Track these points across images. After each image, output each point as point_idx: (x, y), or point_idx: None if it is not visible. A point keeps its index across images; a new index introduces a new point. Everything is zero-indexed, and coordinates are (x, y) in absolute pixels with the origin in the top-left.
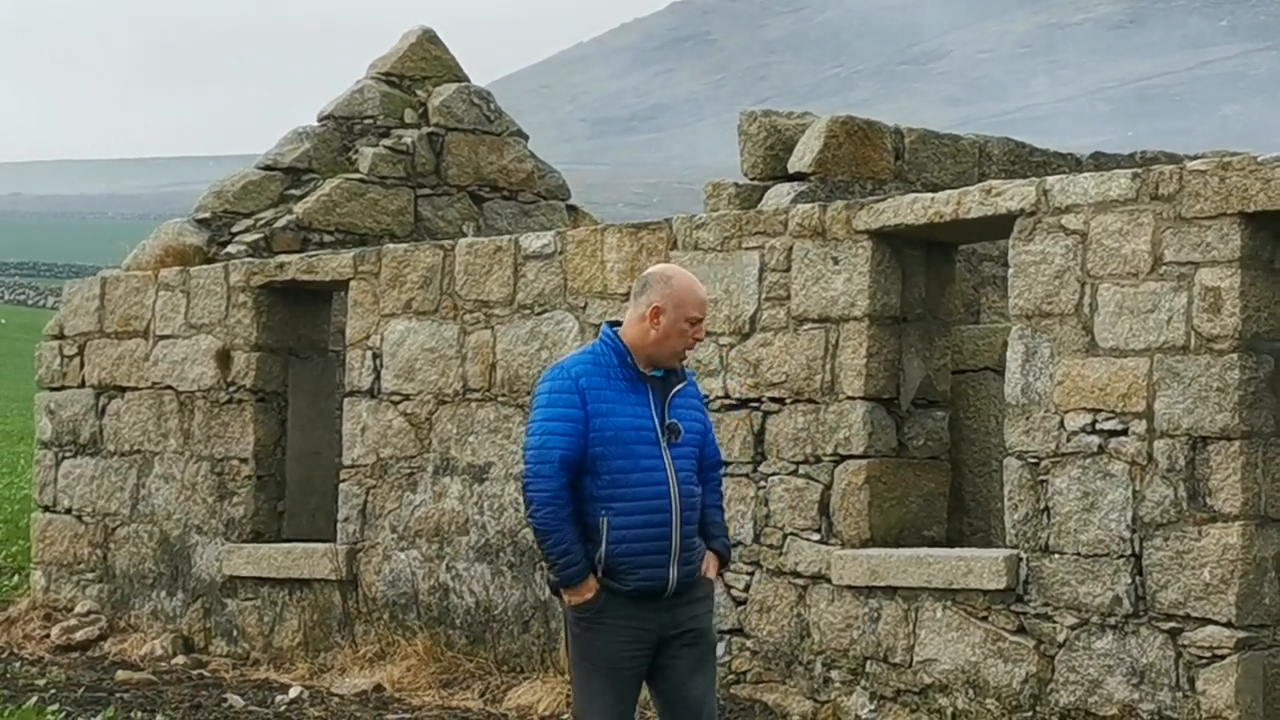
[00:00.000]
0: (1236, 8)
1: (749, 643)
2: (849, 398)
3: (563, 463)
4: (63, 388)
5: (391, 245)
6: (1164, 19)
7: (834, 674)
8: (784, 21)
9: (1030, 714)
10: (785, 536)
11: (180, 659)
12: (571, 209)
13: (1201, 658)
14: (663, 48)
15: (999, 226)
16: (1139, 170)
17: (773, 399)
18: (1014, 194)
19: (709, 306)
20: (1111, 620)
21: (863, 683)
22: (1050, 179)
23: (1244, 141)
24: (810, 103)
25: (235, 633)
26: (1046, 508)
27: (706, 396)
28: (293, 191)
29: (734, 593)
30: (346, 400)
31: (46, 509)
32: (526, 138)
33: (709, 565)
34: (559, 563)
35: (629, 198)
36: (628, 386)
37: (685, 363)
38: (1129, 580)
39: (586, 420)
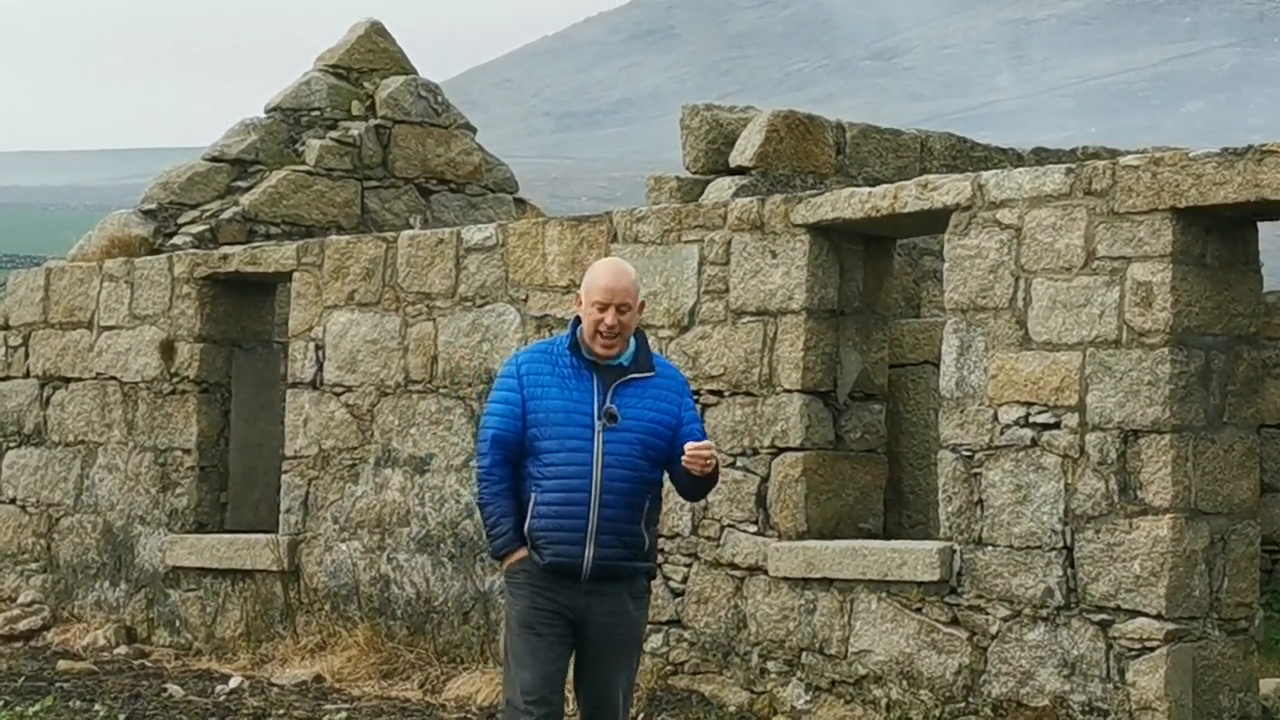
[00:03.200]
0: (1200, 4)
1: (686, 634)
2: (786, 390)
3: (494, 441)
4: (7, 378)
5: (334, 237)
6: (1128, 15)
7: (770, 665)
8: (748, 16)
9: (963, 705)
10: (723, 528)
11: (123, 649)
12: (519, 201)
13: (1132, 649)
14: (627, 41)
15: (936, 221)
16: (1073, 166)
17: (711, 391)
18: (950, 189)
19: (631, 294)
20: (1043, 612)
21: (798, 674)
22: (985, 174)
23: (1206, 138)
24: (774, 97)
25: (178, 623)
26: (980, 500)
27: None
28: (239, 183)
29: (672, 584)
30: (289, 391)
31: None
32: (474, 131)
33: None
34: (490, 533)
35: (593, 191)
36: (571, 374)
37: (621, 350)
38: (1061, 572)
39: (523, 404)
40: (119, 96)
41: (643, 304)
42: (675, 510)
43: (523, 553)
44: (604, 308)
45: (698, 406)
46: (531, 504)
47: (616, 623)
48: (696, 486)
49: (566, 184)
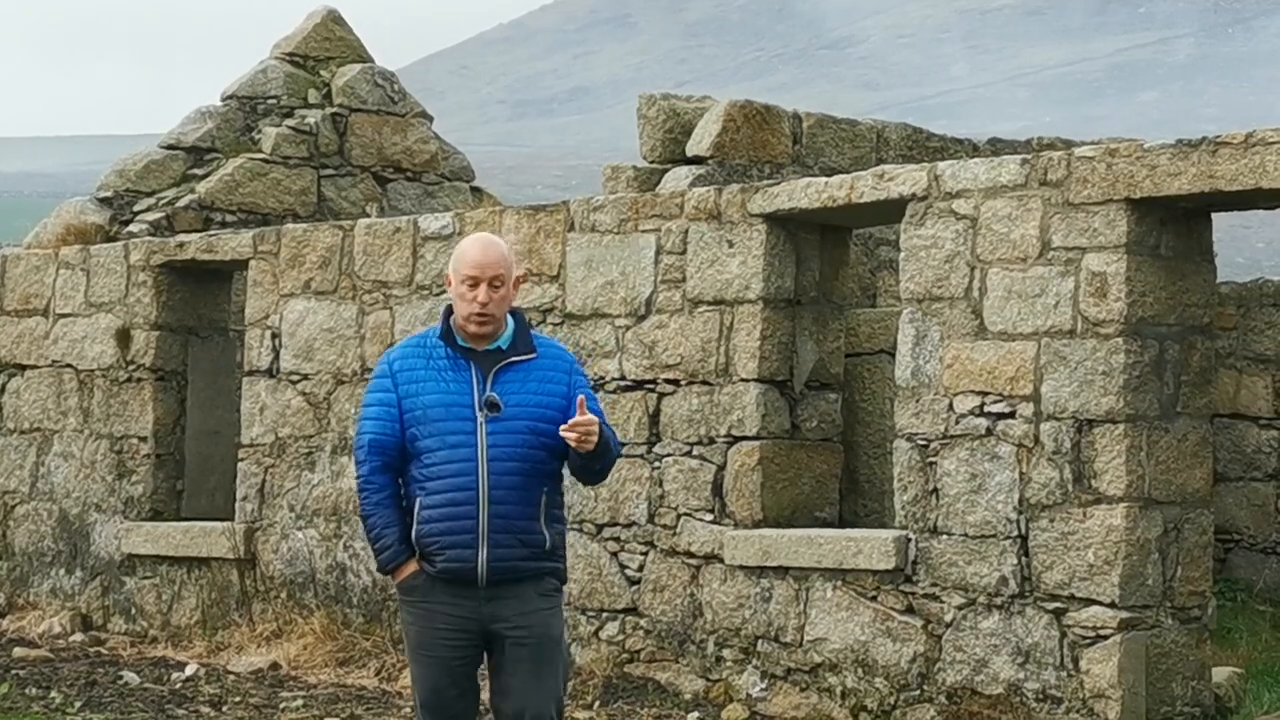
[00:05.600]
0: None
1: (642, 622)
2: (743, 380)
3: (372, 447)
4: None
5: (291, 225)
6: (1083, 5)
7: (726, 653)
8: (704, 5)
9: (918, 693)
10: (679, 517)
11: (78, 636)
12: (475, 190)
13: (1085, 638)
14: (583, 30)
15: (892, 211)
16: (1028, 157)
17: (668, 381)
18: (906, 179)
19: (504, 267)
20: (998, 600)
21: (754, 661)
22: (941, 164)
23: (1160, 129)
24: (730, 86)
25: (133, 611)
26: (935, 489)
27: (602, 378)
28: (195, 171)
29: (628, 572)
30: (245, 379)
31: None
32: (431, 119)
33: (582, 404)
34: (374, 547)
35: (549, 180)
36: (448, 365)
37: (497, 331)
38: (1015, 561)
39: (399, 403)
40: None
41: (519, 279)
42: (632, 499)
43: (413, 565)
44: (475, 283)
45: (654, 395)
46: (417, 509)
47: (527, 625)
48: (588, 467)
49: (522, 172)
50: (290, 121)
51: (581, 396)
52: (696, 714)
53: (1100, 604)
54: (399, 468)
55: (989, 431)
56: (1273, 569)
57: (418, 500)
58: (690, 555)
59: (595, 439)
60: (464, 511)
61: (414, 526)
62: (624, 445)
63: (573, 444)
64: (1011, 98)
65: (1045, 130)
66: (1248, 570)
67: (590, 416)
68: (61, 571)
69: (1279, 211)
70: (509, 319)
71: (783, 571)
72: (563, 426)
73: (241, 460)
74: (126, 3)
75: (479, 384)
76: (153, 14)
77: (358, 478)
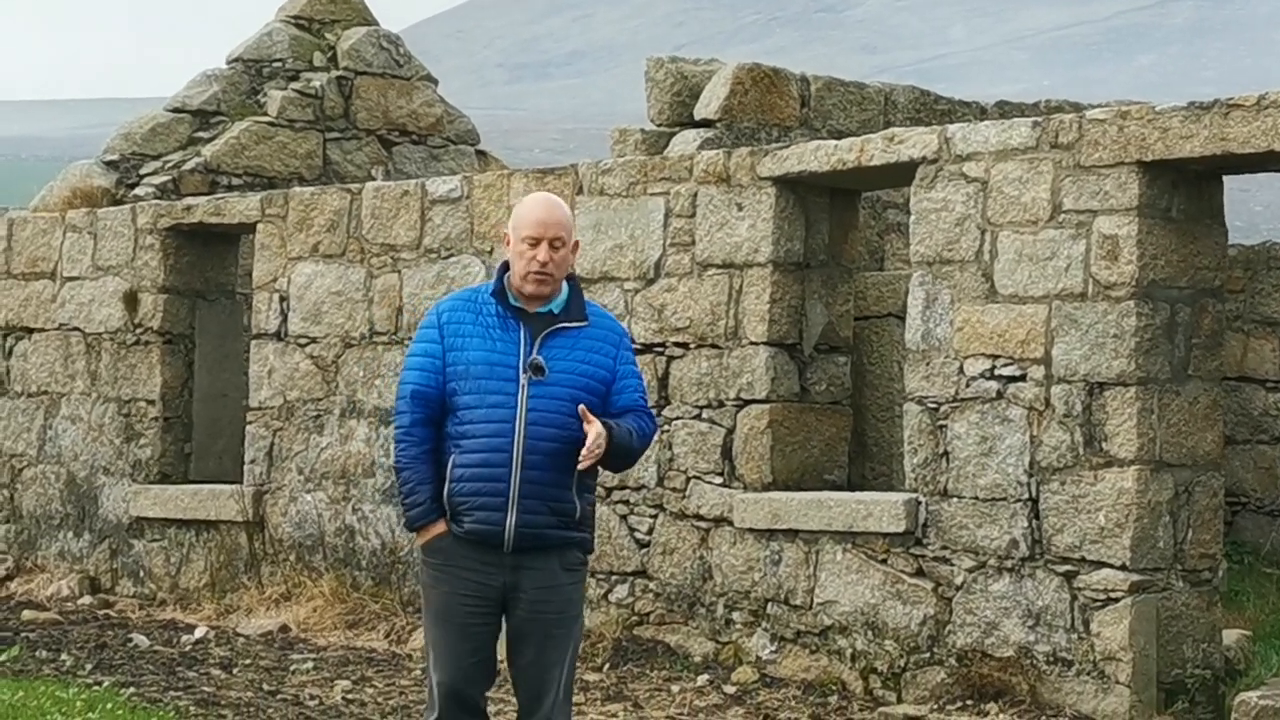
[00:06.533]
0: None
1: (652, 585)
2: (752, 343)
3: (414, 397)
4: None
5: (299, 189)
6: None
7: (735, 616)
8: None
9: (928, 655)
10: (688, 480)
11: (87, 599)
12: (480, 154)
13: (1096, 600)
14: None
15: (902, 174)
16: (1039, 119)
17: (677, 344)
18: (916, 142)
19: (565, 228)
20: (1008, 563)
21: (764, 624)
22: (952, 127)
23: (1159, 91)
24: (728, 49)
25: (142, 573)
26: (945, 452)
27: None
28: (201, 134)
29: (638, 535)
30: (253, 343)
31: None
32: (436, 82)
33: (585, 412)
34: (405, 502)
35: (546, 144)
36: (496, 323)
37: (554, 293)
38: (1026, 524)
39: (444, 355)
40: (71, 46)
41: (577, 244)
42: (641, 462)
43: (441, 526)
44: (535, 243)
45: (663, 359)
46: (450, 466)
47: (546, 598)
48: (606, 465)
49: (519, 136)
50: (295, 85)
51: (583, 406)
52: (706, 676)
53: (1111, 567)
54: (439, 421)
55: (999, 395)
56: None
57: (451, 458)
58: (700, 518)
59: (603, 450)
60: (497, 474)
61: (446, 484)
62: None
63: (582, 467)
64: (1010, 60)
65: (1044, 93)
66: (1255, 533)
67: (598, 431)
68: (70, 534)
69: (1277, 174)
70: (564, 284)
71: (792, 534)
72: (582, 452)
73: (250, 423)
74: None
75: (526, 345)
76: None
77: (396, 427)
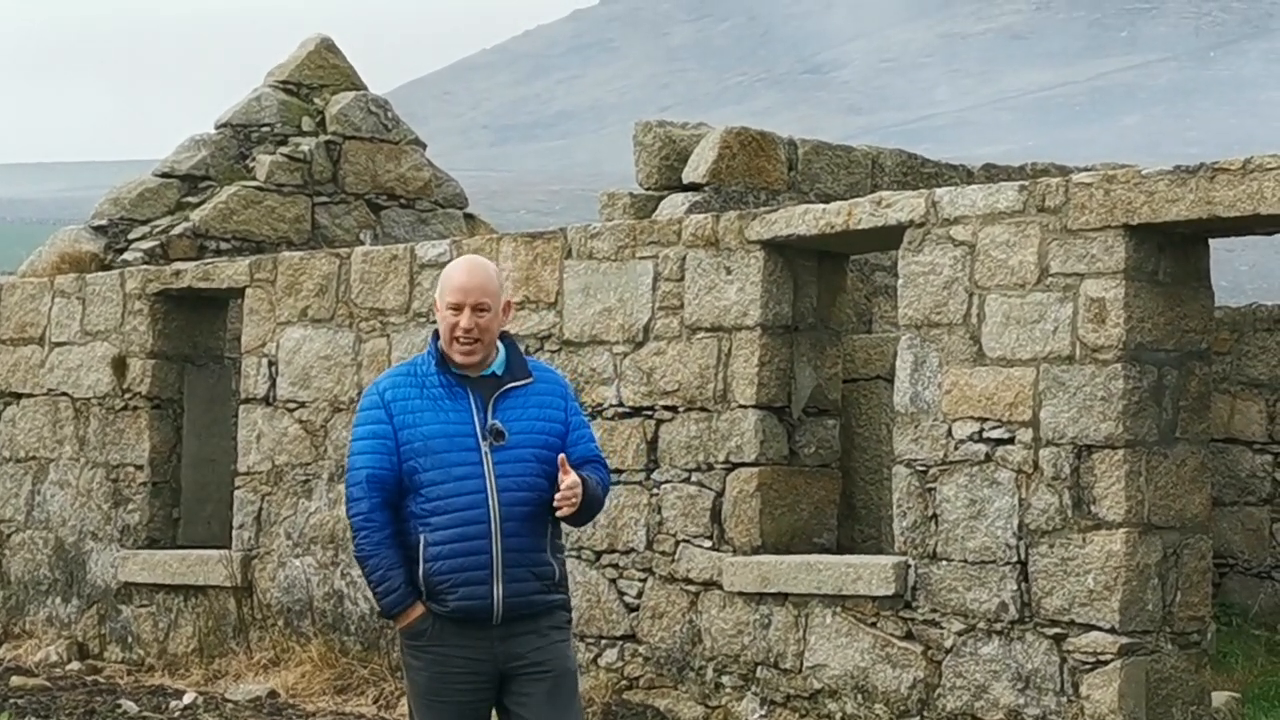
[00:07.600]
0: (1136, 19)
1: (641, 648)
2: (741, 406)
3: (370, 482)
4: None
5: (287, 253)
6: (1064, 29)
7: (725, 679)
8: (686, 30)
9: (918, 719)
10: (677, 543)
11: (75, 665)
12: (469, 217)
13: (1086, 663)
14: (565, 55)
15: (889, 237)
16: (1026, 183)
17: (666, 407)
18: (904, 205)
19: (489, 293)
20: (998, 626)
21: (753, 688)
22: (939, 190)
23: (1144, 152)
24: (713, 111)
25: (130, 639)
26: (934, 515)
27: (600, 405)
28: (190, 199)
29: (627, 599)
30: (242, 407)
31: None
32: (424, 146)
33: (564, 462)
34: (377, 590)
35: (532, 205)
36: (443, 393)
37: (485, 357)
38: (1015, 587)
39: (395, 435)
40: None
41: (508, 304)
42: (630, 525)
43: (419, 609)
44: (458, 309)
45: (652, 422)
46: (422, 547)
47: (544, 659)
48: (573, 519)
49: (505, 197)
50: (284, 149)
51: (562, 456)
52: None
53: (1100, 629)
54: (397, 504)
55: (988, 457)
56: (1267, 593)
57: (421, 538)
58: (689, 582)
59: (579, 501)
60: (476, 546)
61: (420, 565)
62: (622, 472)
63: (562, 515)
64: (994, 121)
65: (1029, 153)
66: (1243, 595)
67: (573, 479)
68: (58, 600)
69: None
70: (499, 344)
71: (782, 598)
72: (558, 498)
73: (238, 488)
74: (93, 28)
75: (479, 411)
76: (137, 42)
77: (353, 515)
